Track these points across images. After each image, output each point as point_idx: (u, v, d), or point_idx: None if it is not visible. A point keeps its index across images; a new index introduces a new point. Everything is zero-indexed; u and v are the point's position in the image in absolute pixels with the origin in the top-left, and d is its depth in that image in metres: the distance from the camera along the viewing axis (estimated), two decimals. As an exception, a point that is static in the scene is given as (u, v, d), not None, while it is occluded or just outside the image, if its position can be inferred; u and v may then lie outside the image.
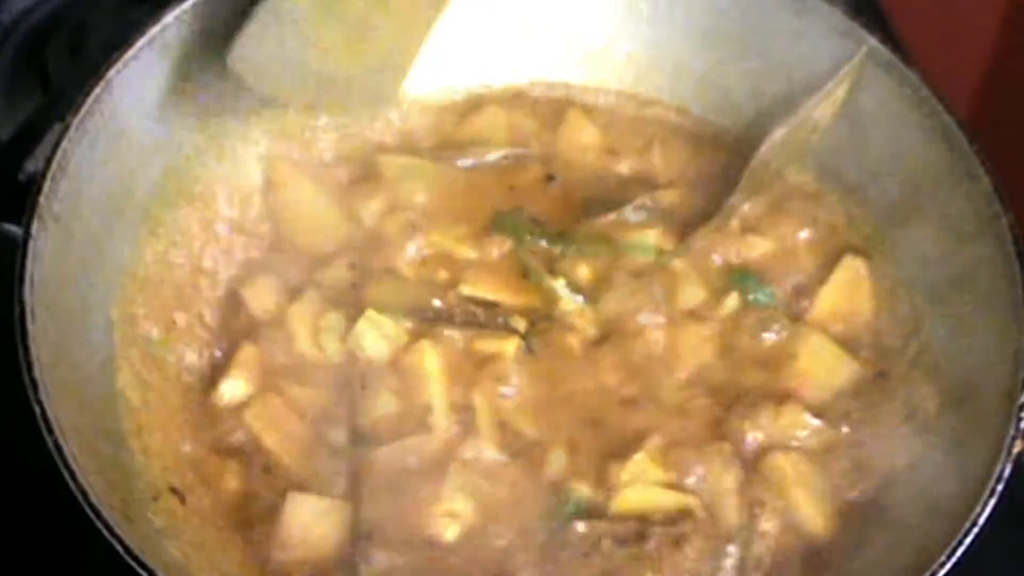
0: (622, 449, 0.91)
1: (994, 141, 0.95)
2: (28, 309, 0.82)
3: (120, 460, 0.86)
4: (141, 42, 0.93)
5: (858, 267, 0.99)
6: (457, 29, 1.08)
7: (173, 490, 0.87)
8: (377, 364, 0.94)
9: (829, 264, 1.00)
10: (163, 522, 0.85)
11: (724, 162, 1.04)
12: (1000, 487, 0.81)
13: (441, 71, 1.09)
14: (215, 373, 0.95)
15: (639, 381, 0.95)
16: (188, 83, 0.97)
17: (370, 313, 0.94)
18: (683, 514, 0.89)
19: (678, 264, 0.99)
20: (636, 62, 1.08)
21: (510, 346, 0.95)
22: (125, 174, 0.94)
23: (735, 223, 1.01)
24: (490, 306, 0.97)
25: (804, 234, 1.01)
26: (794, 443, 0.92)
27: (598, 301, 0.97)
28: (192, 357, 0.96)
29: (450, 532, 0.88)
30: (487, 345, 0.95)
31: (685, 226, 1.01)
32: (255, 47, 0.91)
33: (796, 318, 0.98)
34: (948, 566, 0.79)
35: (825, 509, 0.90)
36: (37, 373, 0.80)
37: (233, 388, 0.94)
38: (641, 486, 0.89)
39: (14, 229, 0.88)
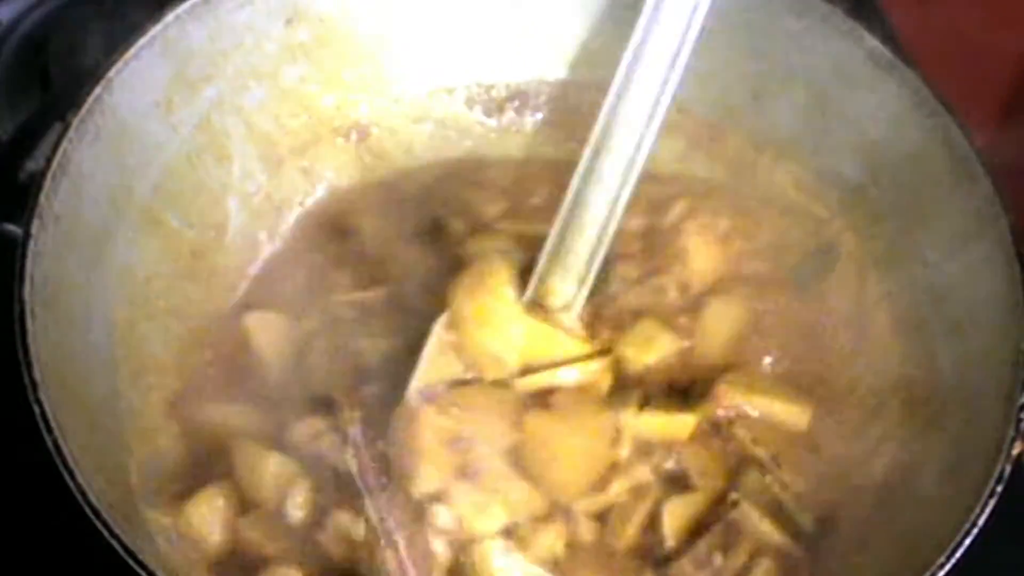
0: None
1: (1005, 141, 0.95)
2: (28, 308, 0.82)
3: (120, 460, 0.86)
4: (142, 42, 0.93)
5: None
6: (457, 29, 1.08)
7: None
8: None
9: None
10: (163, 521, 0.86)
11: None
12: (1000, 488, 0.81)
13: (441, 71, 1.09)
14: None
15: None
16: (188, 83, 0.97)
17: None
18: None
19: None
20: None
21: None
22: (125, 174, 0.94)
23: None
24: None
25: None
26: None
27: None
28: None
29: None
30: None
31: None
32: None
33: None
34: (948, 567, 0.79)
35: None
36: (37, 372, 0.80)
37: None
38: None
39: (14, 229, 0.88)
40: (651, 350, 0.96)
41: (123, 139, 0.93)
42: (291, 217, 1.06)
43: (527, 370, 0.93)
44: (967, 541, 0.79)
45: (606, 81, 1.08)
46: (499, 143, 1.11)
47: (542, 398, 0.92)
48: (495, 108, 1.11)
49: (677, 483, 0.92)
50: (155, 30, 0.94)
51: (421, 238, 1.03)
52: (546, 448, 0.90)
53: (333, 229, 1.05)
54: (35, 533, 0.94)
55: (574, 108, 1.09)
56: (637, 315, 0.97)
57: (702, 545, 0.88)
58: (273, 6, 1.01)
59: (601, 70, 1.08)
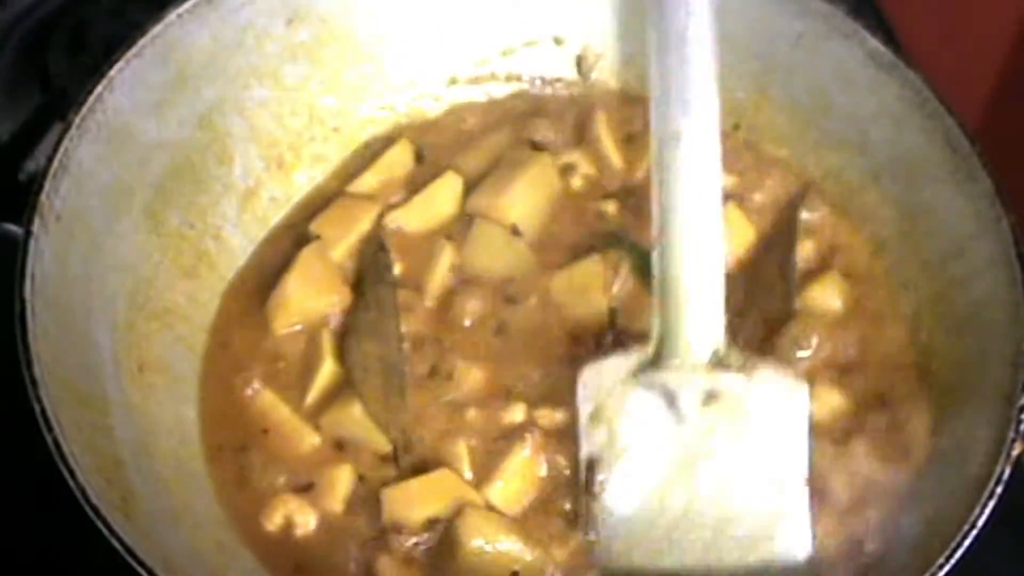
0: None
1: (1005, 142, 0.95)
2: (29, 307, 0.82)
3: (120, 458, 0.86)
4: (143, 40, 0.93)
5: None
6: (458, 30, 1.08)
7: None
8: None
9: None
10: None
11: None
12: (999, 489, 0.81)
13: (442, 71, 1.09)
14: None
15: None
16: (189, 82, 0.97)
17: None
18: None
19: None
20: (637, 63, 1.08)
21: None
22: (126, 172, 0.94)
23: None
24: None
25: None
26: None
27: None
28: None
29: None
30: None
31: None
32: None
33: None
34: (947, 568, 0.79)
35: None
36: (37, 371, 0.80)
37: None
38: None
39: (15, 229, 0.88)
40: None
41: (124, 138, 0.93)
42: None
43: None
44: (966, 543, 0.80)
45: (607, 82, 1.09)
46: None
47: None
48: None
49: None
50: (156, 29, 0.94)
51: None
52: None
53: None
54: (35, 533, 0.94)
55: (577, 106, 1.09)
56: None
57: None
58: (274, 6, 1.01)
59: (603, 71, 1.10)
